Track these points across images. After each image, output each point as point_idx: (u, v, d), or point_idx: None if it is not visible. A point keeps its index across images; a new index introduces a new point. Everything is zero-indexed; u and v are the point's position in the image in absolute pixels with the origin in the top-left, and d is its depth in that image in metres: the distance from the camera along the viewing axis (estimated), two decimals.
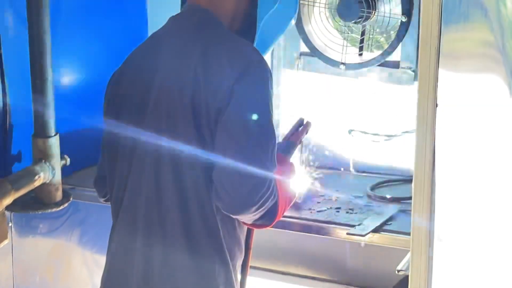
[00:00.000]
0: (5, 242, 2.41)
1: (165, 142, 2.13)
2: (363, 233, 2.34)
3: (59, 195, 2.60)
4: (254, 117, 2.10)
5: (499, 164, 1.98)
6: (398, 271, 2.16)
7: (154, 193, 2.14)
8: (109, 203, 2.31)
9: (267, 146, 2.10)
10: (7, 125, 2.56)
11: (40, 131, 2.54)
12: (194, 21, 2.23)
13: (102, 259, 2.32)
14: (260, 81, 2.11)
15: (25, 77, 2.53)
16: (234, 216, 2.12)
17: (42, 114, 2.53)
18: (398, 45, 2.83)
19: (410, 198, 2.32)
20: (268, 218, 2.15)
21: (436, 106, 1.57)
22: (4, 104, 2.56)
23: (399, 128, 2.89)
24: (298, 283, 3.08)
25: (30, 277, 2.77)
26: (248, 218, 2.12)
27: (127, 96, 2.23)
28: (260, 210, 2.07)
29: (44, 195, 2.57)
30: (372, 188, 2.76)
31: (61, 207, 2.62)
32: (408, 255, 2.15)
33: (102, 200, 2.40)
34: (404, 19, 2.78)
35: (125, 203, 2.20)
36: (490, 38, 1.91)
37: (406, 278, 2.07)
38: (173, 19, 2.28)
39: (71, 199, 2.66)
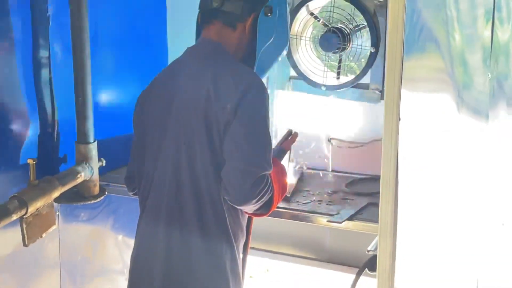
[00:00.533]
0: (54, 227, 2.41)
1: (183, 148, 2.14)
2: (340, 221, 2.35)
3: (96, 190, 2.60)
4: (255, 128, 2.12)
5: (449, 164, 2.01)
6: (368, 251, 2.16)
7: (175, 188, 2.16)
8: (137, 196, 2.31)
9: (264, 151, 2.12)
10: (56, 134, 2.56)
11: (82, 139, 2.53)
12: (206, 51, 2.24)
13: (131, 241, 2.33)
14: (259, 99, 2.13)
15: (70, 95, 2.52)
16: (238, 207, 2.14)
17: (83, 125, 2.53)
18: (368, 71, 2.84)
19: (378, 192, 2.33)
20: (265, 209, 2.17)
21: (399, 120, 1.58)
22: (53, 117, 2.55)
23: (369, 137, 2.89)
24: (288, 260, 3.08)
25: (73, 255, 2.76)
26: (249, 208, 2.14)
27: (153, 111, 2.24)
28: (259, 202, 2.09)
29: (84, 190, 2.57)
30: (347, 185, 2.75)
31: (98, 200, 2.61)
32: (376, 238, 2.15)
33: (131, 194, 2.41)
34: (372, 50, 2.80)
35: (151, 196, 2.21)
36: (442, 66, 1.92)
37: (374, 257, 2.08)
38: (190, 49, 2.29)
39: (106, 193, 2.65)
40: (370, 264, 2.14)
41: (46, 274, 2.69)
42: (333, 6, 2.83)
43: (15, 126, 2.45)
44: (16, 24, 2.40)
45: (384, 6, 2.74)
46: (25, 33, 2.44)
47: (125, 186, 2.43)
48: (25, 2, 2.42)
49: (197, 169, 2.10)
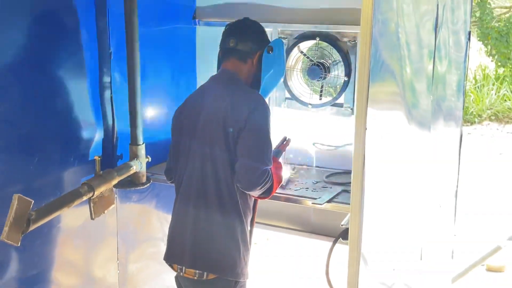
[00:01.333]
0: (112, 206, 2.41)
1: (207, 149, 2.13)
2: (321, 203, 2.35)
3: (144, 179, 2.60)
4: (259, 135, 2.12)
5: (402, 162, 2.01)
6: (342, 225, 2.16)
7: (201, 179, 2.15)
8: (173, 184, 2.30)
9: (267, 151, 2.12)
10: (114, 139, 2.56)
11: (134, 142, 2.53)
12: (225, 78, 2.24)
13: (168, 217, 2.32)
14: (263, 114, 2.13)
15: (125, 110, 2.52)
16: (247, 192, 2.13)
17: (134, 132, 2.53)
18: (342, 94, 2.83)
19: (349, 183, 2.32)
20: (267, 193, 2.16)
21: (366, 129, 1.58)
22: (113, 126, 2.55)
23: (342, 142, 2.88)
24: (283, 232, 3.05)
25: (126, 227, 2.75)
26: (255, 193, 2.13)
27: (185, 122, 2.23)
28: (262, 188, 2.09)
29: (135, 179, 2.57)
30: (326, 177, 2.73)
31: (145, 186, 2.62)
32: (348, 216, 2.15)
33: (169, 182, 2.39)
34: (346, 79, 2.79)
35: (184, 184, 2.20)
36: (397, 90, 1.92)
37: (346, 229, 2.08)
38: (213, 77, 2.29)
39: (150, 181, 2.64)
40: (343, 235, 2.11)
41: (107, 240, 2.68)
42: (317, 47, 2.83)
43: (86, 133, 2.45)
44: (87, 57, 2.41)
45: (354, 46, 2.74)
46: (93, 64, 2.44)
47: (164, 176, 2.41)
48: (93, 41, 2.41)
49: (218, 164, 2.10)
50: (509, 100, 10.22)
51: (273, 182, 2.12)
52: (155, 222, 2.97)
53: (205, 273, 2.12)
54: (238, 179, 2.07)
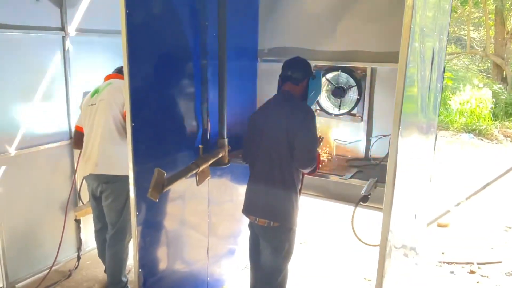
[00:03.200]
0: (208, 178, 2.49)
1: (274, 144, 2.19)
2: (346, 178, 2.38)
3: (226, 161, 2.66)
4: (310, 133, 2.17)
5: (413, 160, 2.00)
6: (362, 193, 2.14)
7: (269, 161, 2.23)
8: (247, 165, 2.35)
9: (315, 143, 2.18)
10: (208, 134, 2.63)
11: (221, 136, 2.61)
12: (284, 96, 2.30)
13: (241, 186, 2.36)
14: (312, 118, 2.21)
15: (215, 115, 2.58)
16: (301, 170, 2.18)
17: (221, 129, 2.60)
18: (355, 107, 2.86)
19: (363, 165, 2.33)
20: (313, 171, 2.22)
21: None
22: (208, 125, 2.61)
23: (353, 139, 2.88)
24: (320, 198, 3.03)
25: (214, 193, 2.82)
26: (306, 170, 2.19)
27: (257, 123, 2.29)
28: (311, 167, 2.15)
29: (221, 161, 2.62)
30: (346, 161, 2.75)
31: (227, 166, 2.66)
32: (366, 186, 2.17)
33: (244, 163, 2.45)
34: (358, 97, 2.82)
35: (256, 166, 2.28)
36: (414, 110, 1.93)
37: (364, 196, 2.10)
38: (276, 95, 2.36)
39: (230, 163, 2.69)
40: (363, 199, 2.11)
41: (200, 203, 2.73)
42: (338, 76, 2.87)
43: (192, 130, 2.54)
44: (195, 81, 2.48)
45: (365, 76, 2.77)
46: (197, 85, 2.52)
47: (238, 159, 2.49)
48: (197, 70, 2.49)
49: (281, 153, 2.18)
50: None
51: (318, 164, 2.18)
52: (232, 189, 3.02)
53: (272, 222, 2.20)
54: (296, 161, 2.14)
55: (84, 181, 2.82)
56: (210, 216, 2.80)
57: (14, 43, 2.78)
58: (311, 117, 2.17)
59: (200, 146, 2.39)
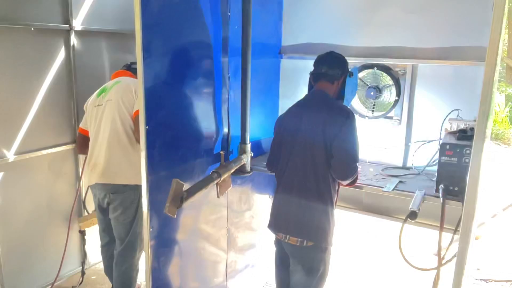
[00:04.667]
0: (230, 188, 2.24)
1: (308, 149, 1.94)
2: (389, 190, 2.10)
3: (249, 168, 2.41)
4: (351, 139, 1.92)
5: None
6: (410, 208, 1.85)
7: (302, 171, 1.97)
8: (273, 173, 2.11)
9: (356, 151, 1.92)
10: (229, 139, 2.38)
11: (243, 141, 2.36)
12: (319, 96, 2.05)
13: (264, 196, 2.13)
14: (353, 123, 1.98)
15: (237, 119, 2.34)
16: (339, 180, 1.92)
17: (244, 134, 2.35)
18: (392, 109, 2.59)
19: (403, 175, 2.07)
20: (353, 182, 1.96)
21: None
22: (229, 130, 2.37)
23: (390, 144, 2.61)
24: (351, 211, 2.78)
25: (233, 203, 2.58)
26: (345, 182, 1.93)
27: (288, 126, 2.06)
28: (351, 178, 1.88)
29: (243, 168, 2.37)
30: (383, 170, 2.47)
31: (250, 174, 2.42)
32: (413, 200, 1.90)
33: (269, 172, 2.21)
34: (396, 98, 2.55)
35: (286, 175, 2.02)
36: None
37: (412, 212, 1.82)
38: (307, 95, 2.13)
39: (252, 171, 2.44)
40: (410, 216, 1.83)
41: (219, 215, 2.49)
42: (373, 74, 2.60)
43: (212, 134, 2.28)
44: (216, 80, 2.24)
45: (403, 77, 2.49)
46: (218, 86, 2.27)
47: (263, 167, 2.26)
48: (219, 70, 2.24)
49: (316, 161, 1.92)
50: None
51: (358, 174, 1.91)
52: (251, 200, 2.77)
53: (305, 241, 1.93)
54: (335, 172, 1.87)
55: (90, 190, 2.54)
56: (229, 229, 2.53)
57: (13, 36, 2.54)
58: (352, 120, 1.89)
59: (221, 152, 2.11)
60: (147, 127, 1.74)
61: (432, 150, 2.25)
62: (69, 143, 2.98)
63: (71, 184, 3.05)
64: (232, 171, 2.18)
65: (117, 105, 2.29)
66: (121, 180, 2.30)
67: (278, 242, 2.11)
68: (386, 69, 2.53)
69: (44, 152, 2.81)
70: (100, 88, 2.51)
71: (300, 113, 2.02)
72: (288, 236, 1.96)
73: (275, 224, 2.06)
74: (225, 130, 2.34)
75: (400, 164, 2.55)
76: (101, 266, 2.87)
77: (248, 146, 2.35)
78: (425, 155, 2.34)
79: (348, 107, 2.05)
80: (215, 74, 2.20)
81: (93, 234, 3.15)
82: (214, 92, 2.22)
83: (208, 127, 2.21)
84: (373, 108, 2.65)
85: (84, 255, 3.14)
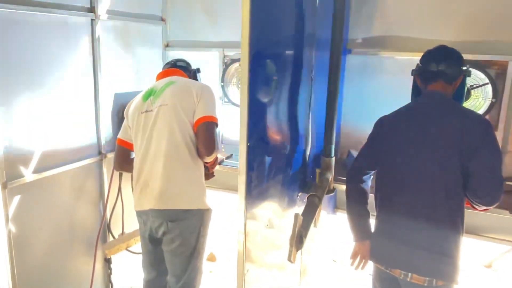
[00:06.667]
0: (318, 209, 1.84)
1: (437, 168, 1.56)
2: None
3: (331, 186, 2.03)
4: (496, 152, 1.56)
5: None
6: None
7: (428, 192, 1.60)
8: (355, 185, 1.74)
9: (501, 169, 1.55)
10: (309, 150, 1.98)
11: (328, 154, 1.99)
12: (440, 99, 1.68)
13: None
14: (494, 133, 1.59)
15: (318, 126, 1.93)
16: (476, 203, 1.57)
17: (329, 146, 1.98)
18: (489, 112, 2.22)
19: None
20: (493, 204, 1.60)
21: None
22: (309, 138, 1.96)
23: None
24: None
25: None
26: (484, 206, 1.57)
27: (402, 133, 1.68)
28: (495, 201, 1.54)
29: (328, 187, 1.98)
30: None
31: (333, 193, 2.04)
32: None
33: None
34: (493, 100, 2.22)
35: (401, 196, 1.63)
36: None
37: None
38: (420, 98, 1.74)
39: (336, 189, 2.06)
40: None
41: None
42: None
43: (298, 148, 1.87)
44: (304, 85, 1.85)
45: (502, 76, 2.17)
46: (305, 89, 1.88)
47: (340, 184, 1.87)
48: (306, 72, 1.84)
49: (449, 180, 1.57)
50: None
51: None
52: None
53: (435, 280, 1.57)
54: (475, 194, 1.52)
55: (139, 217, 2.04)
56: (302, 258, 2.15)
57: (33, 26, 2.04)
58: (493, 130, 1.55)
59: (317, 170, 1.72)
60: (248, 144, 1.34)
61: None
62: (93, 155, 2.50)
63: (94, 204, 2.57)
64: (326, 191, 1.79)
65: (174, 111, 1.85)
66: (183, 204, 1.86)
67: (387, 280, 1.72)
68: (481, 67, 2.20)
69: (65, 168, 2.31)
70: (146, 90, 2.04)
71: (419, 119, 1.65)
72: (410, 274, 1.59)
73: (387, 256, 1.68)
74: (308, 141, 1.95)
75: None
76: None
77: (333, 160, 1.97)
78: None
79: None
80: (302, 76, 1.81)
81: (120, 262, 2.74)
82: (302, 97, 1.83)
83: (295, 138, 1.81)
84: None
85: (110, 286, 2.68)
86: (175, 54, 2.89)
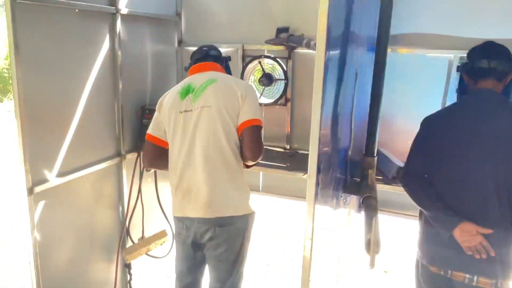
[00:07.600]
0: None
1: (498, 171, 1.55)
2: None
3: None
4: None
5: None
6: None
7: (488, 195, 1.56)
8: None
9: None
10: (350, 150, 1.92)
11: (370, 153, 1.92)
12: (492, 98, 1.66)
13: None
14: None
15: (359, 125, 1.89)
16: None
17: (372, 145, 1.91)
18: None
19: None
20: None
21: None
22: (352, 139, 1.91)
23: None
24: None
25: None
26: None
27: (457, 133, 1.63)
28: None
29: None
30: None
31: None
32: None
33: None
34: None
35: (470, 201, 1.59)
36: None
37: None
38: (471, 97, 1.69)
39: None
40: None
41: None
42: None
43: (344, 146, 1.81)
44: (351, 81, 1.78)
45: None
46: (351, 85, 1.81)
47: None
48: (352, 68, 1.77)
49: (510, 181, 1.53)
50: None
51: None
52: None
53: (499, 281, 1.55)
54: None
55: (181, 222, 1.89)
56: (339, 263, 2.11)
57: (54, 20, 1.91)
58: None
59: (370, 171, 1.67)
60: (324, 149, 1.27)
61: None
62: (112, 156, 2.38)
63: (113, 207, 2.46)
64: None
65: (218, 113, 1.74)
66: (231, 211, 1.76)
67: (441, 284, 1.68)
68: None
69: (88, 170, 2.18)
70: (182, 86, 1.89)
71: (473, 118, 1.61)
72: (476, 278, 1.56)
73: (449, 260, 1.62)
74: (351, 141, 1.89)
75: None
76: None
77: (375, 160, 1.92)
78: None
79: None
80: (351, 75, 1.75)
81: (140, 267, 2.65)
82: (350, 95, 1.77)
83: (343, 138, 1.75)
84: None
85: None
86: (190, 50, 2.78)
